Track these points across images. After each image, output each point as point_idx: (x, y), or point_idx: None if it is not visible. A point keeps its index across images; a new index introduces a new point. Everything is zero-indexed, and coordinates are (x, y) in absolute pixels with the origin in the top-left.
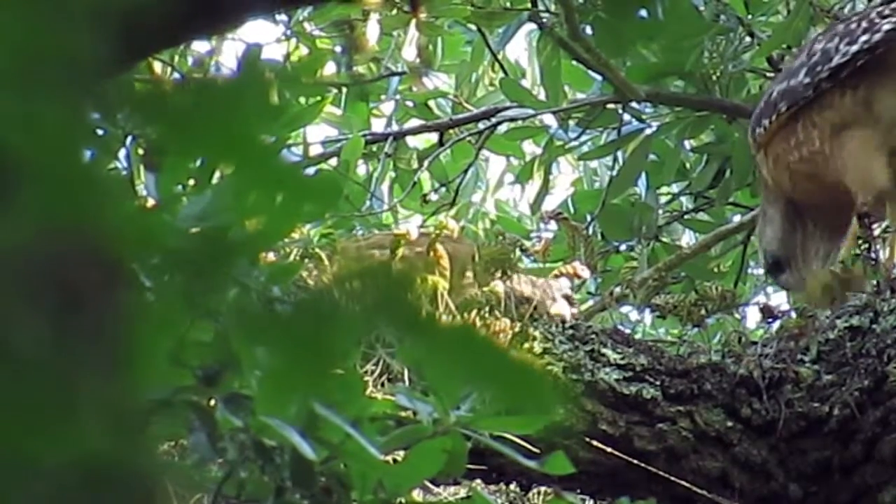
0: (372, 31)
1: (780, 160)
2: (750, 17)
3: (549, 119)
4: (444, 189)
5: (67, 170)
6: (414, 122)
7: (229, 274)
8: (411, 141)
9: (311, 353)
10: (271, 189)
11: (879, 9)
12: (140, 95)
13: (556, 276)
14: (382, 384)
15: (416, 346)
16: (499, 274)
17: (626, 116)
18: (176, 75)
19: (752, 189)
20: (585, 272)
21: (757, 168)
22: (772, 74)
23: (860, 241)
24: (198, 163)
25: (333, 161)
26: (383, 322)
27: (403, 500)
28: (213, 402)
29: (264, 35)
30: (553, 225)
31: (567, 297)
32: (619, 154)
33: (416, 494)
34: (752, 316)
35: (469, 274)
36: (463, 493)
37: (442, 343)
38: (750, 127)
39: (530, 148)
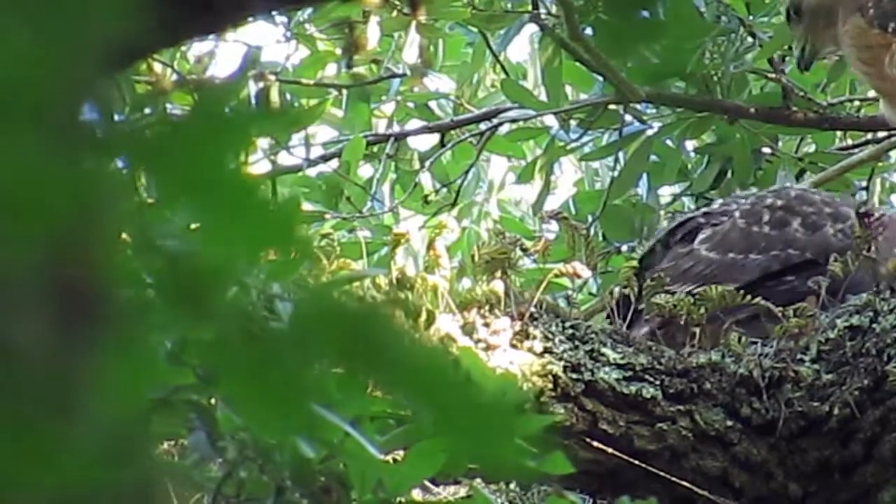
0: (372, 33)
1: None
2: (751, 18)
3: (551, 120)
4: (445, 190)
5: (66, 171)
6: (415, 124)
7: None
8: (412, 142)
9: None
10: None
11: None
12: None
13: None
14: None
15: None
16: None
17: (628, 117)
18: (175, 76)
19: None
20: (586, 272)
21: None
22: (773, 75)
23: (860, 241)
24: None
25: (335, 162)
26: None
27: (403, 500)
28: (213, 401)
29: (264, 37)
30: (554, 225)
31: None
32: (621, 155)
33: (416, 494)
34: None
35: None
36: (463, 492)
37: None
38: None
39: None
